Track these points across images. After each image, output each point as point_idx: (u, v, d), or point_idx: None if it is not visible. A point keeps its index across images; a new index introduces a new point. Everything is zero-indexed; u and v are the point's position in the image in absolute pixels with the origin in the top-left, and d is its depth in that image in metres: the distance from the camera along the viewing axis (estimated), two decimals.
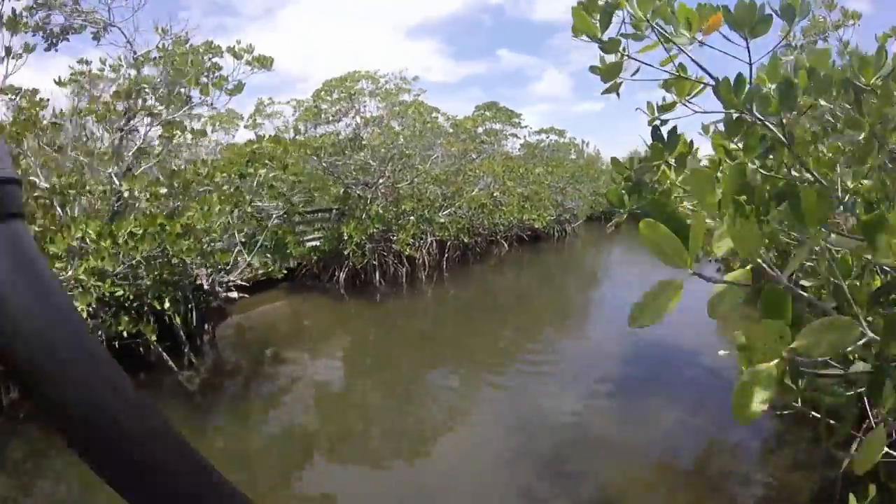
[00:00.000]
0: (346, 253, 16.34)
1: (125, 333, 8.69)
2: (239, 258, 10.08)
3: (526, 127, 33.11)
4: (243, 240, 9.98)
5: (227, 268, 10.06)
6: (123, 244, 7.47)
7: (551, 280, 24.07)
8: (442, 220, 19.22)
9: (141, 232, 7.71)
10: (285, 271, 16.20)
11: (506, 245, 27.31)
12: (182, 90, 10.10)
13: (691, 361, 10.83)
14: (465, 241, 21.15)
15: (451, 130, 18.93)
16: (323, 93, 16.99)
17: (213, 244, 9.45)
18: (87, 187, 8.40)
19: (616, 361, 11.14)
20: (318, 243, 17.52)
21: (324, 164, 17.00)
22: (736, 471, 7.05)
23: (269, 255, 10.34)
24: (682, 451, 7.48)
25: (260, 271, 11.16)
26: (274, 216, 10.93)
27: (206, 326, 11.85)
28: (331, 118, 17.41)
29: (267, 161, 9.37)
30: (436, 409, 9.34)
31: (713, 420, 7.99)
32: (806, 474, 6.63)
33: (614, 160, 3.00)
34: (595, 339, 13.29)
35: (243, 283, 11.24)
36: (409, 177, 17.76)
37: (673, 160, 2.63)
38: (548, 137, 35.95)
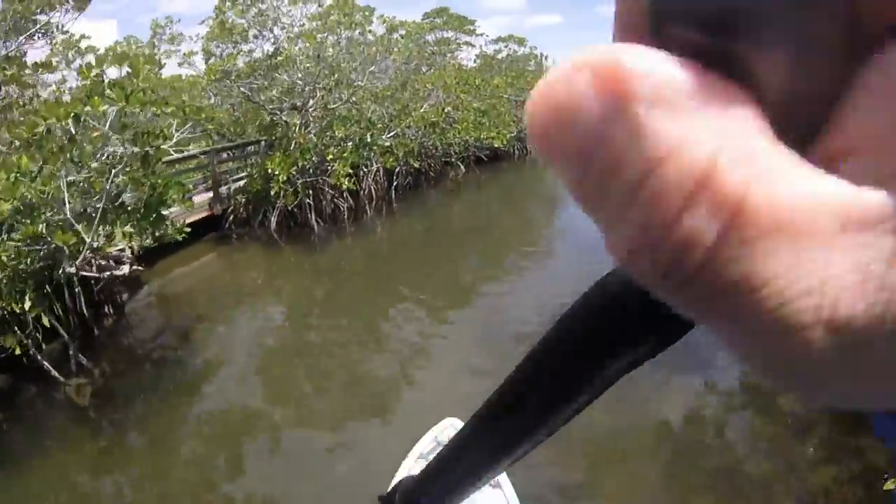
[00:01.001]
0: (273, 193, 13.87)
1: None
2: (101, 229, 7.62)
3: (482, 35, 30.17)
4: (102, 205, 7.43)
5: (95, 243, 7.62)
6: None
7: (513, 202, 22.15)
8: (387, 144, 16.72)
9: None
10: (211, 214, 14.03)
11: (462, 167, 25.03)
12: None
13: None
14: (416, 165, 18.73)
15: (392, 36, 16.09)
16: (229, 2, 14.03)
17: (46, 218, 7.00)
18: None
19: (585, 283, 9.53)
20: (243, 183, 15.00)
21: (242, 91, 14.27)
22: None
23: (137, 223, 7.91)
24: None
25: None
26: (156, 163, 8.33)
27: (106, 309, 9.56)
28: (246, 35, 14.56)
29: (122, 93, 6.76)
30: (395, 359, 8.22)
31: None
32: None
33: None
34: (563, 261, 12.92)
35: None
36: (344, 95, 15.13)
37: None
38: (506, 47, 33.06)
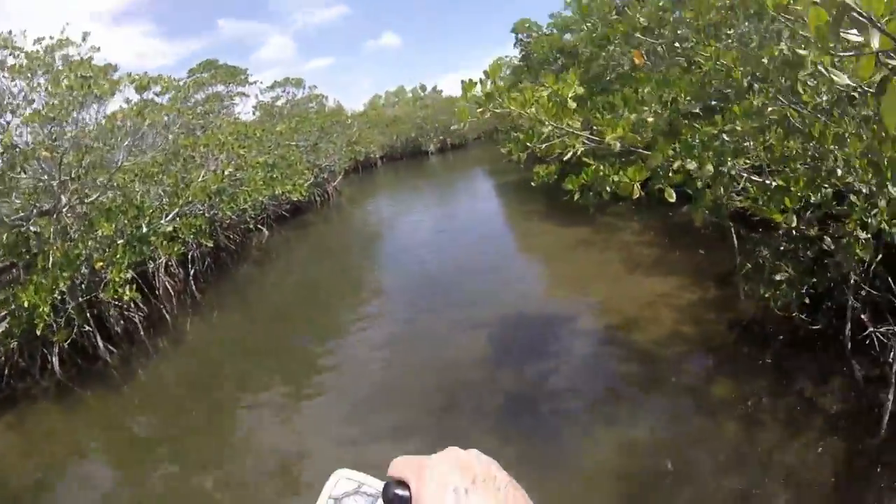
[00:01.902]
0: (40, 332, 10.48)
1: None
2: None
3: (255, 83, 27.59)
4: None
5: None
6: None
7: (330, 256, 20.18)
8: (169, 230, 13.76)
9: None
10: None
11: (265, 230, 22.39)
12: None
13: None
14: (210, 244, 15.86)
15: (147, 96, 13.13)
16: None
17: None
18: None
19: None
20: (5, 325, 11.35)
21: None
22: None
23: None
24: None
25: None
26: None
27: None
28: None
29: None
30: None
31: None
32: None
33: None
34: (397, 307, 12.16)
35: None
36: (101, 181, 12.07)
37: None
38: (284, 91, 30.71)
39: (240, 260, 20.01)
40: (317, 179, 27.54)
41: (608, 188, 4.43)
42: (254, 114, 27.79)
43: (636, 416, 6.16)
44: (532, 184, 17.60)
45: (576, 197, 4.95)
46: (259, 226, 21.97)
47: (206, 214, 16.47)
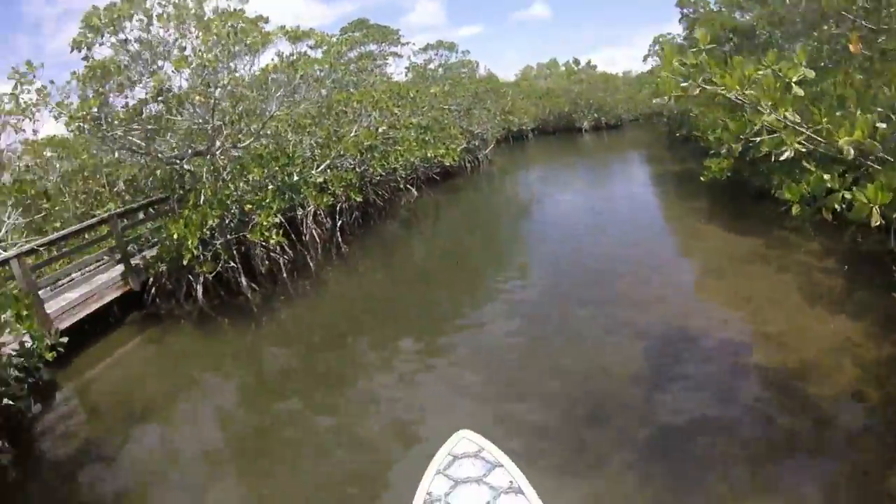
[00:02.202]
0: (186, 262, 11.06)
1: None
2: None
3: (408, 44, 27.72)
4: None
5: None
6: None
7: (477, 225, 19.83)
8: (319, 180, 14.06)
9: None
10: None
11: (414, 190, 22.53)
12: None
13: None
14: (359, 199, 16.06)
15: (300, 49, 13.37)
16: (90, 34, 11.18)
17: None
18: None
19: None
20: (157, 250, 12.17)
21: (131, 139, 11.49)
22: None
23: None
24: None
25: None
26: None
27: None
28: (126, 73, 11.76)
29: None
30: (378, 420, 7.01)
31: None
32: None
33: None
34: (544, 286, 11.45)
35: None
36: (254, 128, 12.44)
37: None
38: (436, 54, 30.74)
39: (387, 217, 20.21)
40: (468, 145, 27.35)
41: (836, 206, 3.58)
42: (406, 75, 27.92)
43: (799, 489, 5.16)
44: (701, 178, 16.19)
45: (795, 210, 4.03)
46: (408, 185, 22.11)
47: (357, 169, 16.72)
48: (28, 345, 8.02)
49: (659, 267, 11.64)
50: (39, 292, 11.30)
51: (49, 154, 15.37)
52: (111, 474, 6.71)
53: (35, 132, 12.83)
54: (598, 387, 7.01)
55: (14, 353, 7.82)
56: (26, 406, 7.94)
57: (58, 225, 13.47)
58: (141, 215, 13.55)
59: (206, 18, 11.18)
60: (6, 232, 11.93)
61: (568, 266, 12.62)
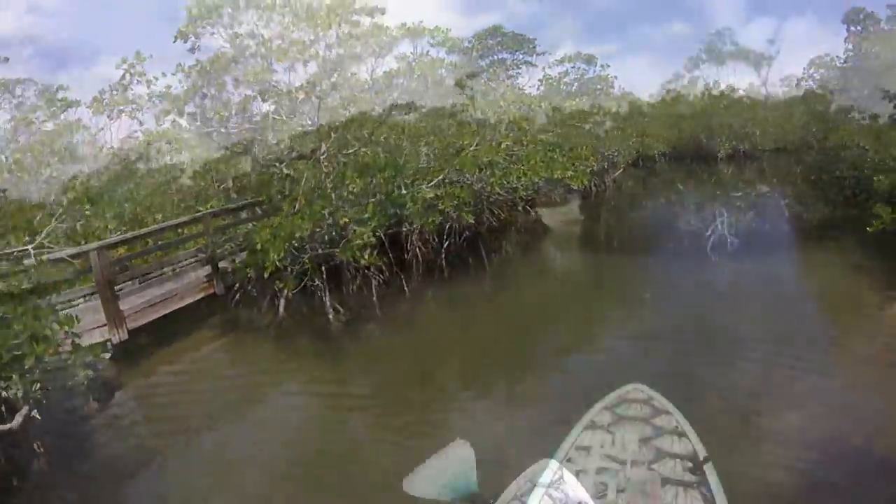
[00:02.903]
0: (267, 275, 10.05)
1: None
2: None
3: (544, 53, 26.09)
4: None
5: None
6: None
7: (599, 256, 17.62)
8: (430, 195, 12.60)
9: None
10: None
11: (533, 212, 20.90)
12: None
13: None
14: (471, 220, 14.59)
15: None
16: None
17: None
18: None
19: None
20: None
21: (222, 136, 10.67)
22: None
23: None
24: None
25: None
26: None
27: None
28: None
29: None
30: None
31: None
32: None
33: None
34: None
35: None
36: (364, 132, 11.23)
37: None
38: (573, 66, 28.92)
39: (500, 239, 18.59)
40: (597, 168, 25.38)
41: None
42: (538, 88, 26.26)
43: None
44: (868, 229, 12.26)
45: None
46: (528, 207, 20.48)
47: (474, 186, 15.21)
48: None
49: (816, 354, 8.33)
50: (126, 286, 11.00)
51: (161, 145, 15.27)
52: (152, 483, 6.60)
53: (141, 123, 12.59)
54: None
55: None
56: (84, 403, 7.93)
57: (159, 217, 13.24)
58: (243, 215, 12.97)
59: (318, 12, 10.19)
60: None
61: (698, 327, 9.87)
